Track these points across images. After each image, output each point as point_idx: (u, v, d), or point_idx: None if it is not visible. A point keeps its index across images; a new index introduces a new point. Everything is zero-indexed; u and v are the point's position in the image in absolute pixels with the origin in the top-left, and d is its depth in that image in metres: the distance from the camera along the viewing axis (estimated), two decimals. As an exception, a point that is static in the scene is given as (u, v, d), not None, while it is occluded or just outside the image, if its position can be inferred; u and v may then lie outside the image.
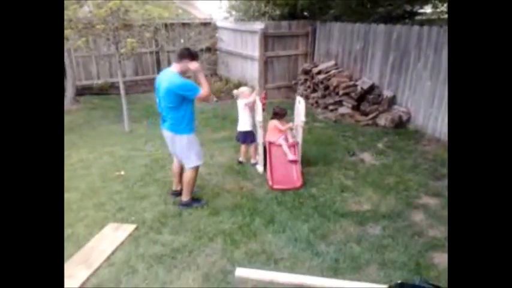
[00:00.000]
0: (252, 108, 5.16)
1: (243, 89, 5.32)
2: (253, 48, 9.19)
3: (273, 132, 5.22)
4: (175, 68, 3.95)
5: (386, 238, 3.72)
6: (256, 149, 5.31)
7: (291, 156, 4.99)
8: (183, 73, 3.96)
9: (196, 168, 4.24)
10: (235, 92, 5.35)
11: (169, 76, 3.89)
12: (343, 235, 3.77)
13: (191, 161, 4.15)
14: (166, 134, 4.15)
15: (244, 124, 5.21)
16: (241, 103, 5.18)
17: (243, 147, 5.37)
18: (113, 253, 3.51)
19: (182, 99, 3.87)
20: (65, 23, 5.79)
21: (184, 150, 4.12)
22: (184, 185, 4.26)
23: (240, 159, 5.43)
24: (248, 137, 5.26)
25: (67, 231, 3.81)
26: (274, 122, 5.24)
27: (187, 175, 4.20)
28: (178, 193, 4.43)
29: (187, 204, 4.26)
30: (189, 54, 3.95)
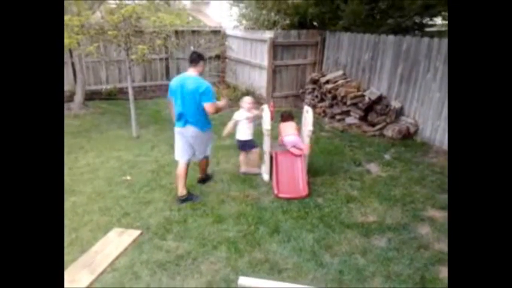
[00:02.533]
0: (252, 119, 5.16)
1: (246, 99, 5.27)
2: (262, 56, 9.23)
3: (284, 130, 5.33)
4: (193, 72, 4.39)
5: (391, 250, 3.69)
6: (258, 156, 5.30)
7: (302, 146, 5.05)
8: (200, 75, 4.44)
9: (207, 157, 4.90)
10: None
11: (194, 79, 4.32)
12: (348, 246, 3.75)
13: (206, 151, 4.77)
14: (190, 131, 4.48)
15: (243, 133, 5.18)
16: (242, 113, 5.14)
17: (242, 156, 5.34)
18: (116, 258, 3.52)
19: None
20: (77, 28, 5.88)
21: (203, 144, 4.67)
22: (203, 168, 5.03)
23: (242, 170, 5.36)
24: (247, 145, 5.24)
25: (71, 235, 3.83)
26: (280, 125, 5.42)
27: (204, 162, 4.93)
28: (203, 179, 5.11)
29: (203, 181, 5.11)
30: (199, 56, 4.46)
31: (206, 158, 4.87)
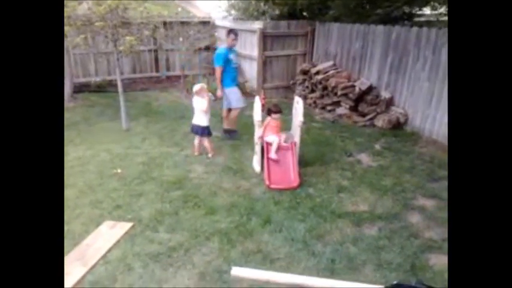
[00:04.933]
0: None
1: (199, 86, 5.51)
2: (251, 47, 9.18)
3: (267, 128, 5.25)
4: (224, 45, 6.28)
5: (382, 239, 3.73)
6: (210, 142, 5.67)
7: (272, 155, 5.02)
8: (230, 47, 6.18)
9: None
10: (195, 88, 5.52)
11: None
12: (340, 235, 3.78)
13: (230, 104, 6.33)
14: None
15: (202, 119, 5.53)
16: (201, 101, 5.45)
17: (197, 140, 5.65)
18: (109, 251, 3.51)
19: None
20: (64, 20, 5.76)
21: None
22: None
23: (196, 153, 5.71)
24: (205, 131, 5.60)
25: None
26: (268, 119, 5.30)
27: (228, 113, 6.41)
28: (228, 130, 6.44)
29: (229, 132, 6.42)
30: (228, 31, 6.26)
31: (230, 110, 6.34)
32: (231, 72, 6.20)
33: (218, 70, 6.10)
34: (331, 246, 3.61)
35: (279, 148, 5.09)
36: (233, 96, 6.24)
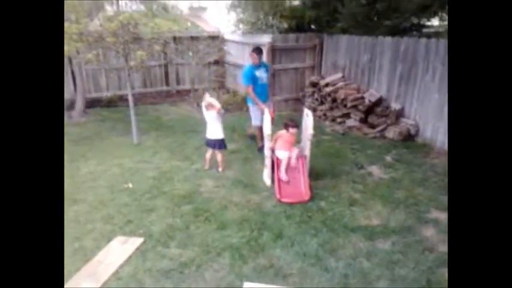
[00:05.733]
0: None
1: (211, 99, 5.49)
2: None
3: (279, 142, 5.22)
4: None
5: (396, 254, 3.67)
6: (222, 156, 5.65)
7: (282, 176, 4.96)
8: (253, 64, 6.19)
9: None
10: (206, 101, 5.50)
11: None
12: (353, 250, 3.73)
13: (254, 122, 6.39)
14: None
15: (218, 132, 5.55)
16: (212, 113, 5.44)
17: (209, 154, 5.64)
18: (120, 267, 3.50)
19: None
20: (76, 36, 5.89)
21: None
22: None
23: (206, 167, 5.70)
24: (222, 144, 5.62)
25: (74, 245, 3.82)
26: (282, 131, 5.25)
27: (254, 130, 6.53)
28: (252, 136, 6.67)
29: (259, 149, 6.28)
30: (252, 50, 6.31)
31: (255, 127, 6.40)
32: (257, 89, 6.17)
33: (247, 90, 6.21)
34: (344, 261, 3.56)
35: (288, 167, 5.05)
36: (253, 114, 6.31)
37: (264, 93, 6.28)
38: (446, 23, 9.35)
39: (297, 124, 5.25)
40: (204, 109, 5.54)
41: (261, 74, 6.21)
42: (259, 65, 6.22)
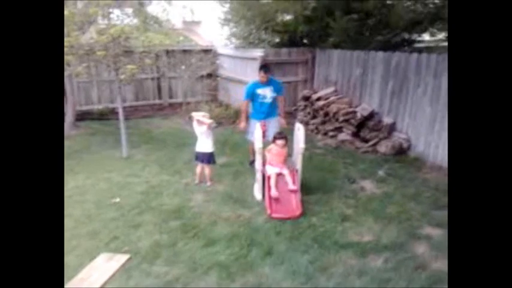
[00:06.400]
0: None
1: (201, 114, 5.59)
2: (253, 74, 9.21)
3: (269, 157, 5.15)
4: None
5: (388, 271, 3.59)
6: (210, 170, 5.59)
7: (273, 192, 4.84)
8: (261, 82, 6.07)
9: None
10: (194, 114, 5.59)
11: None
12: (344, 268, 3.64)
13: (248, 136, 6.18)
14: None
15: (208, 146, 5.50)
16: (202, 127, 5.43)
17: (199, 168, 5.56)
18: (103, 285, 3.38)
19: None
20: (67, 49, 5.82)
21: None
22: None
23: (196, 181, 5.62)
24: (210, 158, 5.55)
25: (58, 262, 3.69)
26: (271, 145, 5.19)
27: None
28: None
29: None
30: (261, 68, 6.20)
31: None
32: (256, 106, 6.11)
33: (243, 103, 6.20)
34: (335, 279, 3.47)
35: (279, 182, 4.98)
36: (249, 128, 6.16)
37: (264, 111, 6.07)
38: (436, 38, 9.47)
39: (283, 136, 5.21)
40: (194, 123, 5.48)
41: (265, 92, 6.00)
42: (267, 83, 6.06)
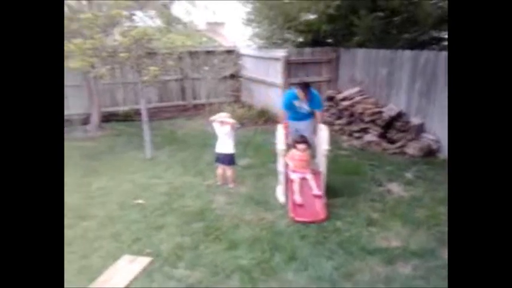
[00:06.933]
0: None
1: (223, 115, 5.51)
2: (275, 75, 9.14)
3: (294, 163, 5.02)
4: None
5: (417, 279, 3.42)
6: (233, 172, 5.52)
7: (297, 198, 4.71)
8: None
9: None
10: (214, 118, 5.50)
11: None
12: (370, 275, 3.50)
13: None
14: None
15: (229, 147, 5.42)
16: (225, 128, 5.36)
17: (220, 169, 5.51)
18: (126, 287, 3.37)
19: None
20: (91, 51, 5.91)
21: None
22: None
23: (219, 183, 5.57)
24: (231, 159, 5.48)
25: (81, 262, 3.72)
26: (292, 151, 5.06)
27: None
28: None
29: None
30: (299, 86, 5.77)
31: None
32: (292, 114, 5.84)
33: (280, 113, 6.02)
34: (361, 286, 3.33)
35: (303, 187, 4.85)
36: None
37: (300, 118, 5.83)
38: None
39: (305, 140, 5.07)
40: (215, 124, 5.43)
41: (301, 105, 5.74)
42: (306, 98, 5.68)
